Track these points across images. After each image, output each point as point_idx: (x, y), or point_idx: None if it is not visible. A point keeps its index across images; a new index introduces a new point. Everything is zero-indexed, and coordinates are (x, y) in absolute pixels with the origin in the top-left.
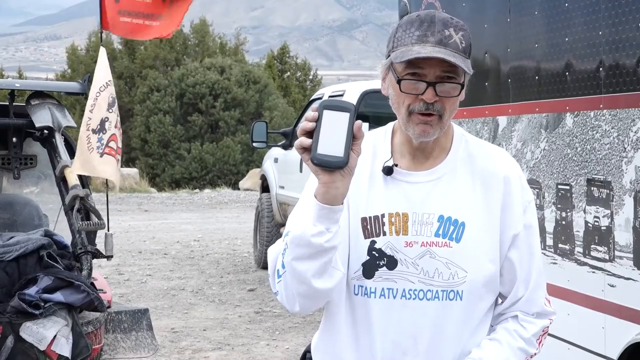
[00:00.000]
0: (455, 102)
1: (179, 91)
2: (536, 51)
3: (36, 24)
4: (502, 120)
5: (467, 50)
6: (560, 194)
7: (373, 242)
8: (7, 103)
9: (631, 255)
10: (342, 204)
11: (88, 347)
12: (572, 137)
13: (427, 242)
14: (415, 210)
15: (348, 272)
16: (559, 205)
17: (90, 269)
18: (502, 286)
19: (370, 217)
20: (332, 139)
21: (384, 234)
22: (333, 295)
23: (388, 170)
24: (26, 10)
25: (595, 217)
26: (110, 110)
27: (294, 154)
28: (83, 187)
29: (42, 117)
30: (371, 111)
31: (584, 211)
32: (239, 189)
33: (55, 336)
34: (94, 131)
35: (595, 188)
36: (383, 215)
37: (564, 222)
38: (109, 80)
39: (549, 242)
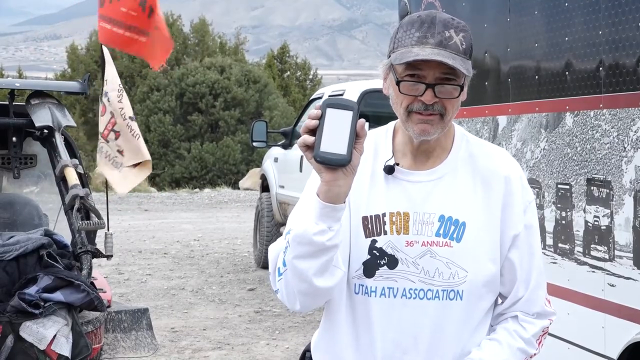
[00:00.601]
0: (456, 102)
1: (179, 91)
2: (536, 51)
3: (36, 23)
4: (502, 120)
5: (468, 51)
6: (560, 194)
7: (374, 241)
8: (7, 102)
9: (631, 255)
10: (344, 202)
11: (88, 347)
12: (572, 137)
13: (427, 242)
14: (416, 209)
15: (349, 271)
16: (559, 205)
17: (90, 269)
18: (503, 286)
19: (371, 216)
20: (335, 137)
21: (385, 233)
22: (333, 294)
23: (389, 170)
24: (26, 10)
25: (595, 216)
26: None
27: (294, 154)
28: (83, 186)
29: (42, 116)
30: (371, 111)
31: (584, 211)
32: (239, 188)
33: (55, 336)
34: (131, 118)
35: (595, 187)
36: (384, 215)
37: (563, 222)
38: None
39: (549, 241)
